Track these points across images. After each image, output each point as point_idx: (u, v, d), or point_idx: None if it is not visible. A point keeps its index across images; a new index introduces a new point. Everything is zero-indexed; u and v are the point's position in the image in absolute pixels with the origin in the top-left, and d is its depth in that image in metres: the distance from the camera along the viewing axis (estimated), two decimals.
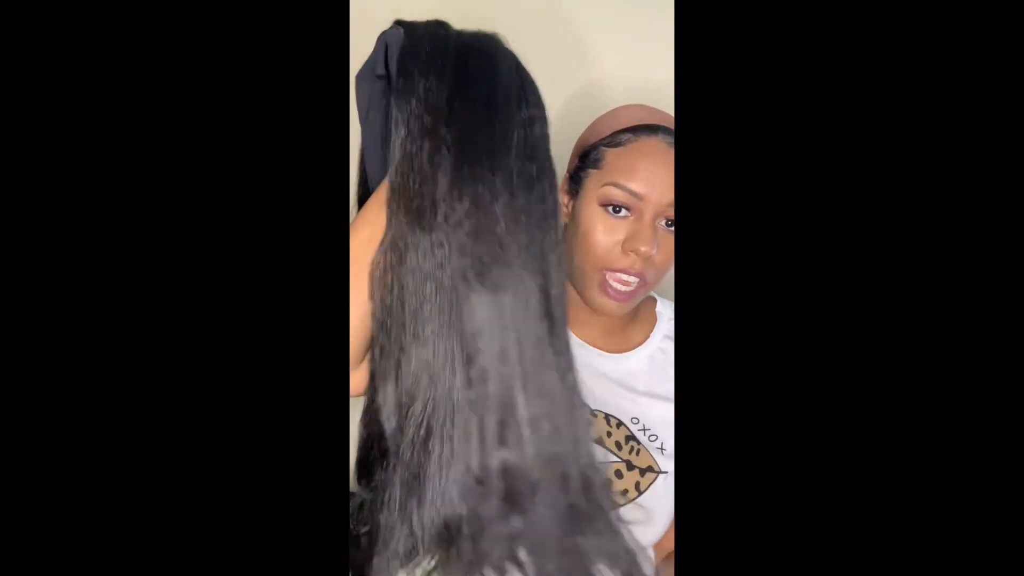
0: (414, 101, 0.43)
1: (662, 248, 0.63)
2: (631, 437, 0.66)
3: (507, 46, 0.48)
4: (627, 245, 0.62)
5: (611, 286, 0.63)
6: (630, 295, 0.64)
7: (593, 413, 0.65)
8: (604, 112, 0.70)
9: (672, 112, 0.69)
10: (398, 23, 0.47)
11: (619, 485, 0.64)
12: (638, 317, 0.74)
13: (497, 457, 0.42)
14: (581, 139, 0.71)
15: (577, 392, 0.48)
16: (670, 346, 0.73)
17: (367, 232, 0.44)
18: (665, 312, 0.75)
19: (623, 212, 0.62)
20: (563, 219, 0.70)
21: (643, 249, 0.61)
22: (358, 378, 0.51)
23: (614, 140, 0.65)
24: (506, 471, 0.43)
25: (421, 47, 0.44)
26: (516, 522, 0.43)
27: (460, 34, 0.47)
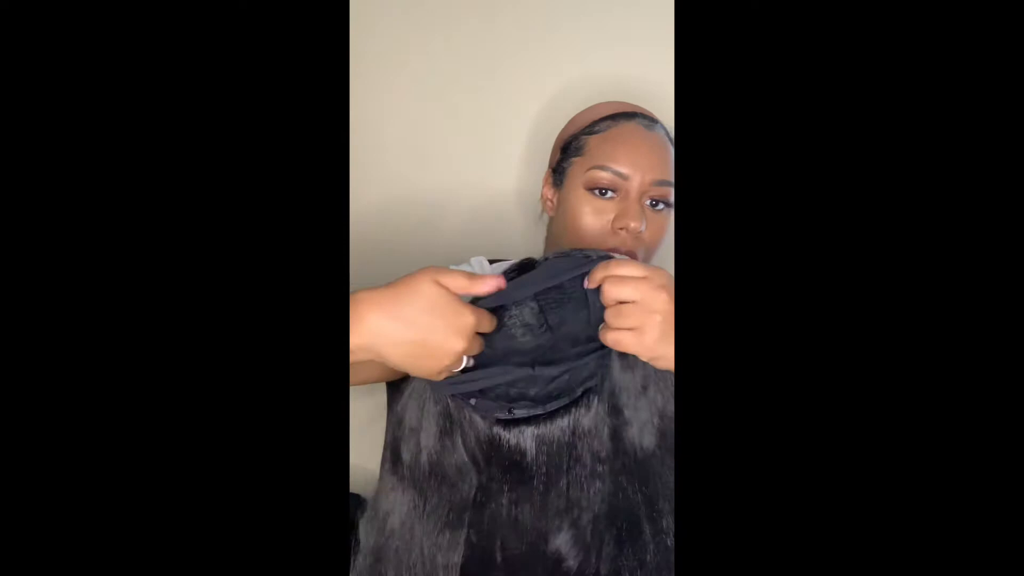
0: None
1: (650, 226, 0.64)
2: None
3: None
4: (616, 223, 0.63)
5: None
6: None
7: None
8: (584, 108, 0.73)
9: (647, 107, 0.72)
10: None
11: None
12: None
13: None
14: (561, 134, 0.73)
15: None
16: None
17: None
18: None
19: (609, 194, 0.64)
20: (549, 212, 0.72)
21: (633, 225, 0.62)
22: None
23: (594, 128, 0.67)
24: None
25: None
26: None
27: None
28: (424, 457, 0.56)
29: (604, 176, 0.63)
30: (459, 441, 0.54)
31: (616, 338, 0.48)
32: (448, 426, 0.55)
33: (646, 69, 0.92)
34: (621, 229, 0.63)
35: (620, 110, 0.68)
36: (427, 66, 0.96)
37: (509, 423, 0.52)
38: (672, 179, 0.65)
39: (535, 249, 0.81)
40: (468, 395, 0.52)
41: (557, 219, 0.69)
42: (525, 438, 0.52)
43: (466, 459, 0.54)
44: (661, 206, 0.65)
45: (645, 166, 0.63)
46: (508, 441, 0.52)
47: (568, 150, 0.69)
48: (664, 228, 0.67)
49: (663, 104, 0.82)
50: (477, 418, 0.53)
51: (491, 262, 0.81)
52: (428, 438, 0.56)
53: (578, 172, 0.66)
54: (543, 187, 0.73)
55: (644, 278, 0.48)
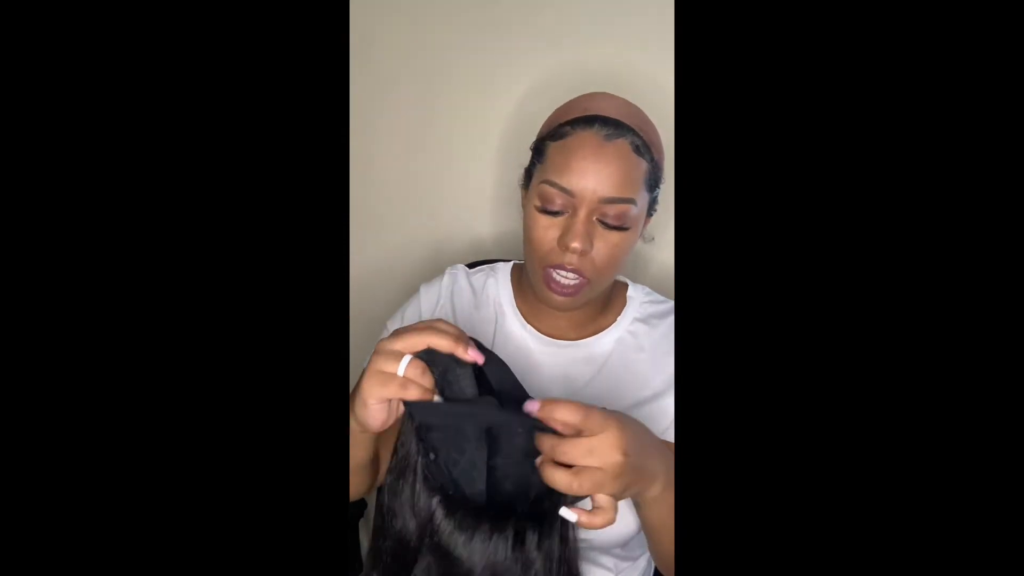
0: None
1: (602, 246, 0.61)
2: None
3: None
4: (560, 242, 0.61)
5: (554, 280, 0.63)
6: (574, 290, 0.63)
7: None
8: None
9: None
10: None
11: None
12: (608, 305, 0.73)
13: None
14: (539, 132, 0.70)
15: None
16: (641, 328, 0.71)
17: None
18: (636, 296, 0.74)
19: (559, 204, 0.61)
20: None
21: (573, 245, 0.60)
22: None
23: (557, 133, 0.63)
24: None
25: None
26: None
27: None
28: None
29: (551, 192, 0.61)
30: (408, 505, 0.50)
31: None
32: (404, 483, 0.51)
33: (644, 55, 0.91)
34: (564, 248, 0.61)
35: (584, 113, 0.62)
36: (424, 66, 0.96)
37: (450, 504, 0.48)
38: (631, 195, 0.60)
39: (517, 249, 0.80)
40: (427, 450, 0.49)
41: (523, 224, 0.66)
42: (464, 540, 0.47)
43: (407, 523, 0.50)
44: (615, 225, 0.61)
45: (594, 183, 0.59)
46: (443, 528, 0.47)
47: (536, 152, 0.66)
48: (620, 248, 0.62)
49: (661, 93, 0.82)
50: (425, 491, 0.49)
51: (471, 266, 0.81)
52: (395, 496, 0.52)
53: (536, 181, 0.63)
54: (520, 187, 0.71)
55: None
